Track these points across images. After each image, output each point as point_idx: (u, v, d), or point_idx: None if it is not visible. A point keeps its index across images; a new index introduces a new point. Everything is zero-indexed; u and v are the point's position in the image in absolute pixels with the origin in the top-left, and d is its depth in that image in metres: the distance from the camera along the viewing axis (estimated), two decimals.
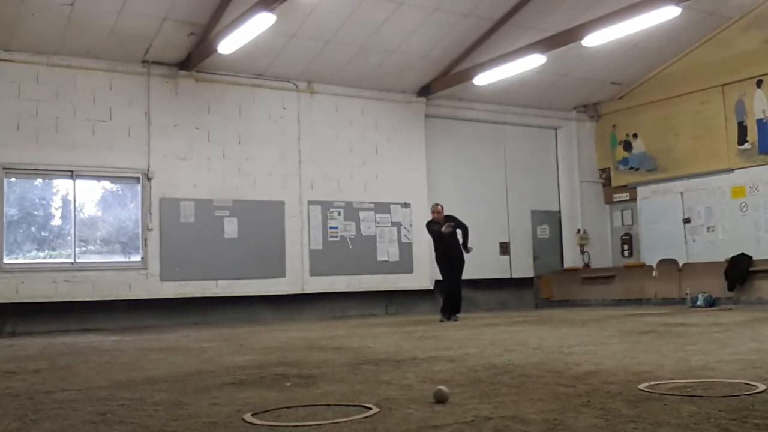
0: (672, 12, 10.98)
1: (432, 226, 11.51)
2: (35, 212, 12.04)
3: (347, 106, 14.26)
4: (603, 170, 17.10)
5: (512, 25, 12.99)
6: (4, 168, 11.45)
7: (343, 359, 5.93)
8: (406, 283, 14.45)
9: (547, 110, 16.53)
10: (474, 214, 15.46)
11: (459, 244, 11.47)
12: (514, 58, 12.93)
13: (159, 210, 12.42)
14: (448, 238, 11.37)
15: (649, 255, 15.65)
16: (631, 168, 16.48)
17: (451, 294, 11.53)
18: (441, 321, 11.19)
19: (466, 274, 15.89)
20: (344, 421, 3.26)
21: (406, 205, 14.64)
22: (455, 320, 11.12)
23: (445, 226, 11.31)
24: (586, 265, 16.57)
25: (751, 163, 14.19)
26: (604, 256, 16.85)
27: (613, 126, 16.81)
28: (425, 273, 14.67)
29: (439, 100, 15.12)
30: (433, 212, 11.59)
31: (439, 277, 15.25)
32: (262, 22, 10.46)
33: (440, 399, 3.62)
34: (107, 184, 12.63)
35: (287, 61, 13.07)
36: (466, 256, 11.63)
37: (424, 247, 14.69)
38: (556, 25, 12.46)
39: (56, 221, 12.17)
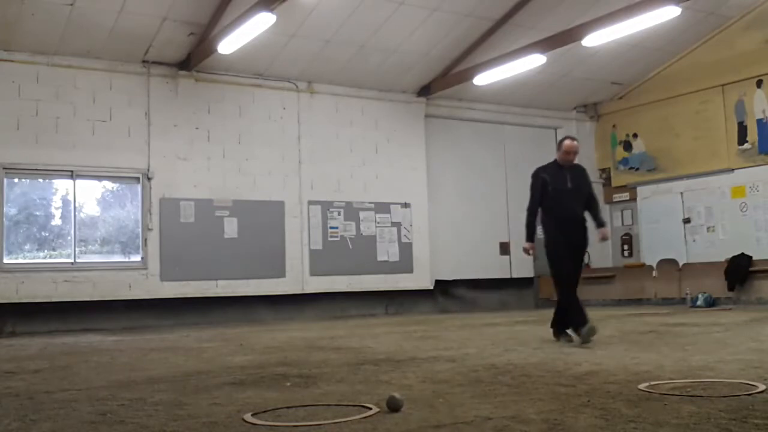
0: (672, 12, 10.98)
1: (543, 174, 7.13)
2: (35, 212, 12.04)
3: (347, 106, 14.26)
4: (603, 170, 17.10)
5: (512, 25, 12.98)
6: (4, 168, 11.45)
7: (343, 359, 5.93)
8: (406, 283, 14.44)
9: (547, 110, 16.53)
10: (474, 214, 15.52)
11: (584, 215, 7.17)
12: (514, 58, 12.93)
13: (159, 210, 12.42)
14: (570, 197, 7.05)
15: (649, 255, 15.64)
16: (631, 168, 16.48)
17: (570, 296, 6.96)
18: (565, 340, 6.89)
19: (466, 273, 16.09)
20: (344, 421, 3.27)
21: (406, 205, 14.63)
22: (586, 341, 6.53)
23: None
24: (587, 265, 16.54)
25: (751, 163, 14.18)
26: (604, 256, 16.83)
27: (613, 126, 16.80)
28: (425, 273, 14.67)
29: (439, 100, 15.11)
30: (564, 150, 7.11)
31: (441, 276, 15.34)
32: (262, 22, 10.46)
33: (393, 407, 3.50)
34: (107, 184, 12.63)
35: (287, 61, 13.07)
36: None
37: (424, 247, 14.70)
38: (556, 25, 12.45)
39: (56, 221, 12.17)
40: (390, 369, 5.16)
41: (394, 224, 14.48)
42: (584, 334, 6.53)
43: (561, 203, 7.04)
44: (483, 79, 13.64)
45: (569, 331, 6.91)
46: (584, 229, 7.11)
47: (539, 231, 7.21)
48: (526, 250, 7.20)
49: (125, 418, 3.53)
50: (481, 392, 3.98)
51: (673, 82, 15.33)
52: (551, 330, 7.13)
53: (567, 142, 7.19)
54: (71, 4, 10.73)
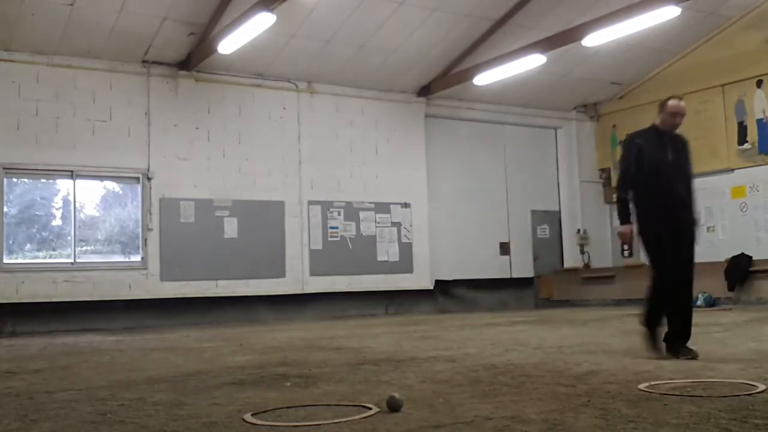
0: (672, 12, 10.99)
1: (638, 140, 5.62)
2: (35, 212, 12.04)
3: (347, 106, 14.26)
4: (603, 170, 17.09)
5: (512, 25, 12.99)
6: (4, 168, 11.45)
7: (343, 359, 5.93)
8: (406, 283, 14.44)
9: (547, 110, 16.52)
10: (474, 214, 15.52)
11: (690, 197, 5.59)
12: (514, 58, 12.93)
13: (159, 210, 12.42)
14: (671, 171, 5.52)
15: None
16: None
17: (677, 294, 5.43)
18: (669, 356, 5.29)
19: (466, 273, 16.10)
20: (344, 421, 3.27)
21: (406, 205, 14.63)
22: (687, 355, 5.22)
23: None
24: (586, 265, 16.56)
25: (751, 163, 14.18)
26: (604, 256, 16.84)
27: (613, 126, 16.79)
28: (425, 273, 14.67)
29: (439, 100, 15.11)
30: (668, 112, 5.55)
31: (441, 276, 15.33)
32: (262, 22, 10.46)
33: (393, 407, 3.49)
34: (107, 184, 12.64)
35: (287, 61, 13.07)
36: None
37: (424, 247, 14.70)
38: (556, 25, 12.45)
39: (56, 221, 12.17)
40: (390, 369, 5.16)
41: (394, 224, 14.48)
42: (680, 355, 5.25)
43: (660, 178, 5.50)
44: (483, 79, 13.64)
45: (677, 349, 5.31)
46: (691, 212, 5.57)
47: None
48: (623, 236, 5.69)
49: (125, 418, 3.53)
50: (481, 392, 3.98)
51: (673, 82, 15.29)
52: (645, 330, 5.53)
53: (672, 102, 5.59)
54: (71, 4, 10.73)
